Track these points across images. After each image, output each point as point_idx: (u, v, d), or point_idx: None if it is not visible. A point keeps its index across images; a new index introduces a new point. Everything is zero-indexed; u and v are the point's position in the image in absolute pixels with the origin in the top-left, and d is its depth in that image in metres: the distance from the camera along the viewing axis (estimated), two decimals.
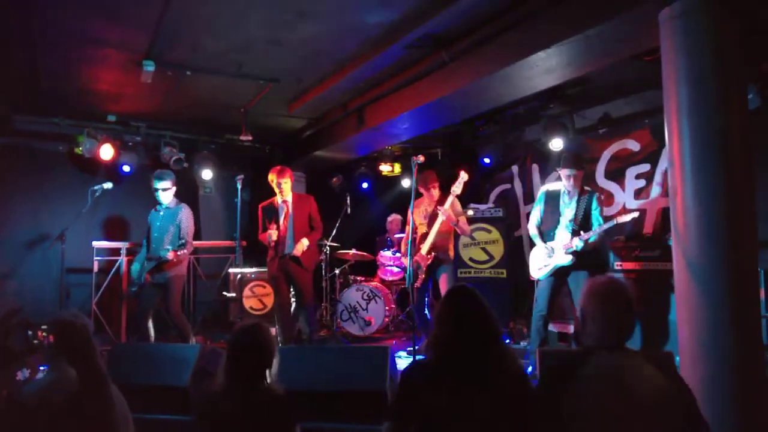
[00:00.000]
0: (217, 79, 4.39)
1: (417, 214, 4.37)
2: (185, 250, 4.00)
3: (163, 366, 3.00)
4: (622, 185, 4.88)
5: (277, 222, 4.24)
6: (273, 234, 4.15)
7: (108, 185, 4.54)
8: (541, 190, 4.02)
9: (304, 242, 4.17)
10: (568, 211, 3.78)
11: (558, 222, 3.80)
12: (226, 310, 5.78)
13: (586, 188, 3.85)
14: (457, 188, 3.97)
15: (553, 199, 3.87)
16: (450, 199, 4.02)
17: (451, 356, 1.60)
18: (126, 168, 5.59)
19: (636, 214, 3.70)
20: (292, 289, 4.37)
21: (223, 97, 4.87)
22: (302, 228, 4.22)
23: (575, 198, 3.77)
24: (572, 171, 3.75)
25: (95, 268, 5.29)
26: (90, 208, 4.61)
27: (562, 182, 3.82)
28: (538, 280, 3.84)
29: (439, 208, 4.07)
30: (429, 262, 4.17)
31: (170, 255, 3.92)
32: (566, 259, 3.69)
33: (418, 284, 4.16)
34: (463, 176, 3.98)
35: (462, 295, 1.70)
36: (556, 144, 4.96)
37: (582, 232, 3.66)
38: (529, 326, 4.63)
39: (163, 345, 3.74)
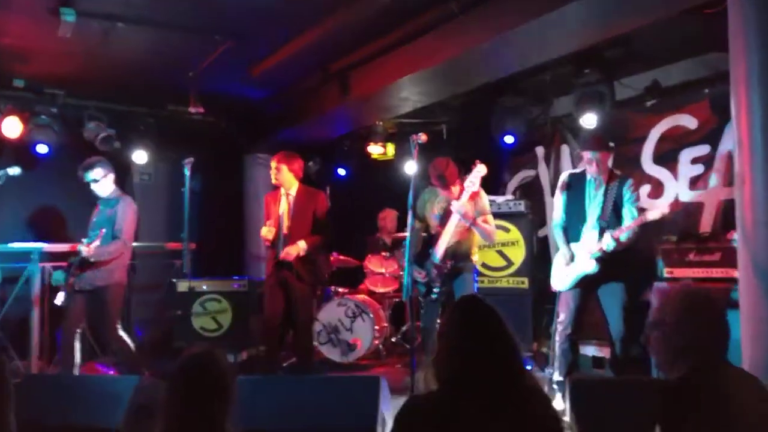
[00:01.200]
0: (157, 34, 4.33)
1: (428, 213, 4.22)
2: (111, 248, 4.04)
3: (87, 403, 3.00)
4: (674, 172, 4.93)
5: (276, 220, 4.36)
6: (266, 231, 4.30)
7: (15, 170, 4.47)
8: (561, 177, 4.01)
9: (300, 245, 4.25)
10: (594, 204, 3.76)
11: (584, 218, 3.78)
12: (169, 332, 5.74)
13: (616, 172, 3.84)
14: (471, 183, 3.84)
15: (577, 188, 3.85)
16: (466, 192, 3.88)
17: (460, 385, 1.60)
18: (42, 148, 5.49)
19: (666, 210, 3.55)
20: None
21: (166, 58, 4.81)
22: (302, 228, 4.30)
23: (603, 187, 3.75)
24: (594, 154, 3.71)
25: None
26: None
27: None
28: (561, 291, 3.86)
29: (453, 204, 3.89)
30: (446, 272, 4.04)
31: (84, 249, 3.98)
32: (590, 266, 3.68)
33: (432, 298, 4.13)
34: (481, 169, 3.86)
35: (472, 308, 1.71)
36: (591, 120, 4.99)
37: (610, 230, 3.63)
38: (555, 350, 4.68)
39: (89, 376, 3.69)
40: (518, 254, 5.45)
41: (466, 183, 3.88)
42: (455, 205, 3.87)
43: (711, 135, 4.68)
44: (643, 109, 5.12)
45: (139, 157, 5.90)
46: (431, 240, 4.15)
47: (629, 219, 3.67)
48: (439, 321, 4.27)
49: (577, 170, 4.01)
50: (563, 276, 3.83)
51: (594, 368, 4.57)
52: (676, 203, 4.82)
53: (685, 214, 4.75)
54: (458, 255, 4.06)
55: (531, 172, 6.01)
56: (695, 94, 4.78)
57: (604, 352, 4.58)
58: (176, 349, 5.50)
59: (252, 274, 6.35)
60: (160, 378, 3.93)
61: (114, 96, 5.78)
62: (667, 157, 4.97)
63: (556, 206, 3.98)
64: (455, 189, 3.99)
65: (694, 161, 4.79)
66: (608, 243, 3.61)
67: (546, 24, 3.55)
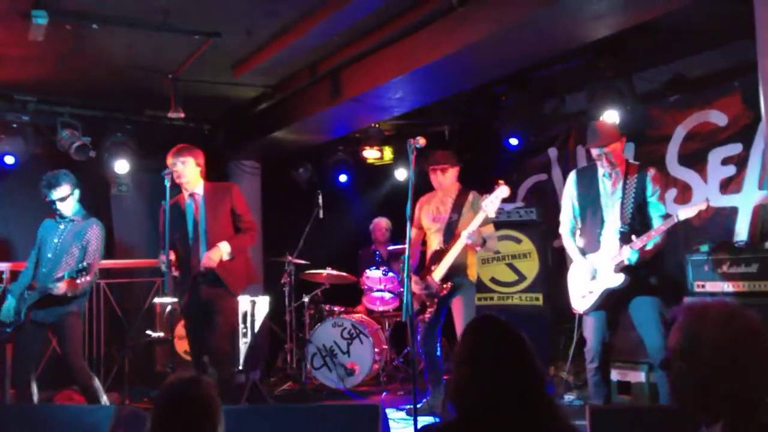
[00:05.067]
0: (134, 34, 4.37)
1: (425, 215, 4.39)
2: (86, 278, 3.94)
3: None
4: (703, 174, 4.88)
5: (184, 229, 4.04)
6: (163, 263, 3.90)
7: None
8: (570, 177, 3.84)
9: (222, 248, 3.95)
10: (611, 204, 3.55)
11: (601, 222, 3.57)
12: (151, 356, 5.76)
13: (634, 162, 3.67)
14: (489, 206, 3.92)
15: (588, 186, 3.66)
16: (479, 216, 3.99)
17: (480, 416, 1.57)
18: (8, 159, 5.56)
19: (703, 206, 3.41)
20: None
21: (144, 59, 4.86)
22: (221, 231, 4.02)
23: (620, 183, 3.55)
24: (601, 149, 3.51)
25: None
26: None
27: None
28: (584, 314, 3.67)
29: (464, 232, 4.01)
30: (444, 294, 4.16)
31: (61, 287, 3.87)
32: (617, 280, 3.46)
33: (426, 316, 4.18)
34: (503, 191, 3.92)
35: (492, 331, 1.67)
36: (609, 117, 5.01)
37: (634, 237, 3.41)
38: (576, 374, 4.67)
39: (64, 406, 3.70)
40: (531, 267, 5.42)
41: (484, 203, 3.96)
42: (468, 233, 3.99)
43: (743, 132, 4.61)
44: (665, 104, 5.10)
45: (121, 167, 5.92)
46: (436, 255, 4.22)
47: (657, 219, 3.46)
48: (440, 344, 4.33)
49: (586, 165, 3.88)
50: (584, 294, 3.60)
51: (620, 395, 4.49)
52: (706, 208, 4.81)
53: (716, 221, 4.68)
54: (456, 271, 4.17)
55: (543, 176, 6.00)
56: (724, 87, 4.74)
57: (630, 377, 4.50)
58: (158, 374, 5.54)
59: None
60: (139, 406, 3.97)
61: (89, 101, 5.83)
62: (694, 157, 4.91)
63: (564, 210, 3.82)
64: (445, 178, 4.32)
65: (725, 162, 4.72)
66: (629, 255, 3.41)
67: (556, 13, 3.54)
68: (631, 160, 3.68)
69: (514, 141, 5.68)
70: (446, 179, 4.35)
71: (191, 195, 4.13)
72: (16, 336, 4.08)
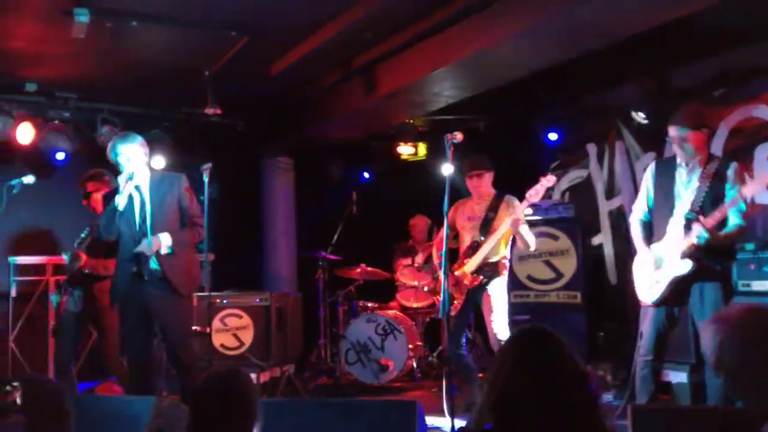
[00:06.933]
0: (172, 32, 4.47)
1: (460, 216, 4.41)
2: None
3: (103, 426, 3.09)
4: (749, 171, 4.81)
5: (120, 224, 3.74)
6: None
7: (29, 179, 4.64)
8: (650, 166, 3.70)
9: (162, 238, 3.69)
10: (684, 193, 3.41)
11: (670, 211, 3.43)
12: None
13: (715, 155, 3.52)
14: (535, 193, 3.97)
15: (665, 177, 3.51)
16: (524, 206, 4.04)
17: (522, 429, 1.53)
18: (59, 155, 5.71)
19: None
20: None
21: (181, 57, 4.95)
22: (167, 226, 3.78)
23: (696, 172, 3.39)
24: (682, 130, 3.32)
25: (13, 292, 5.45)
26: (5, 210, 4.75)
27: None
28: (650, 305, 3.52)
29: (512, 216, 4.05)
30: (473, 285, 4.19)
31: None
32: (684, 267, 3.32)
33: (452, 311, 4.19)
34: (549, 179, 3.97)
35: (537, 345, 1.59)
36: (647, 113, 4.94)
37: (701, 218, 3.24)
38: (614, 373, 4.61)
39: (105, 397, 3.81)
40: (568, 265, 5.36)
41: (529, 193, 3.99)
42: (509, 218, 4.03)
43: None
44: (709, 99, 5.00)
45: (159, 162, 6.02)
46: (471, 247, 4.26)
47: (734, 215, 3.26)
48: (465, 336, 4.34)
49: (668, 156, 3.70)
50: (651, 284, 3.47)
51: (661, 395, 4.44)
52: (752, 206, 4.71)
53: (763, 219, 4.59)
54: (489, 264, 4.20)
55: (582, 173, 5.92)
56: None
57: (671, 377, 4.43)
58: (198, 367, 5.64)
59: (272, 286, 6.46)
60: (177, 397, 4.07)
61: (127, 98, 5.94)
62: (739, 154, 4.80)
63: (639, 198, 3.68)
64: (480, 182, 4.30)
65: None
66: (698, 233, 3.20)
67: (598, 5, 3.51)
68: (714, 153, 3.51)
69: (552, 136, 5.61)
70: (482, 184, 4.35)
71: (135, 183, 3.83)
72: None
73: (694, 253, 3.29)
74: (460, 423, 3.66)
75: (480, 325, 4.40)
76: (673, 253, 3.39)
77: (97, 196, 4.25)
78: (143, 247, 3.71)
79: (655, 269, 3.46)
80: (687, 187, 3.42)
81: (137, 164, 3.79)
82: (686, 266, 3.33)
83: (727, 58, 4.89)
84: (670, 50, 4.72)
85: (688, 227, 3.31)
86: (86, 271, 4.23)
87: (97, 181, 4.36)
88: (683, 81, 5.00)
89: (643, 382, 3.52)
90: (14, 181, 4.55)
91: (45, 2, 4.02)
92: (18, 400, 4.03)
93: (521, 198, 4.16)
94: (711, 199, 3.30)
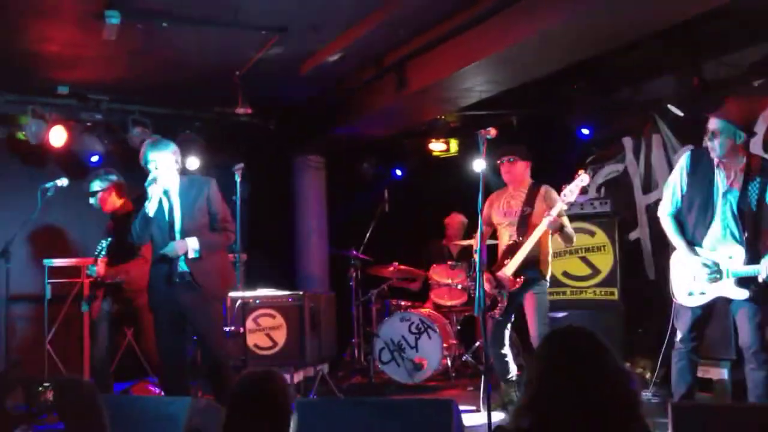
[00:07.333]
0: (203, 32, 4.50)
1: (495, 211, 4.32)
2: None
3: (140, 426, 3.12)
4: None
5: (152, 229, 3.78)
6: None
7: (63, 182, 4.72)
8: (683, 157, 3.49)
9: (189, 243, 3.71)
10: (725, 200, 3.25)
11: (712, 216, 3.29)
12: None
13: (759, 155, 3.35)
14: (569, 194, 3.86)
15: (702, 172, 3.31)
16: (559, 205, 3.91)
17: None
18: (94, 158, 5.78)
19: None
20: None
21: (212, 57, 5.00)
22: (196, 230, 3.79)
23: (740, 177, 3.21)
24: (722, 124, 3.13)
25: (48, 294, 5.52)
26: (40, 213, 4.84)
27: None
28: (687, 306, 3.42)
29: (547, 213, 3.90)
30: (515, 288, 4.09)
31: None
32: (740, 295, 3.19)
33: (495, 312, 4.12)
34: (583, 179, 3.86)
35: (579, 348, 1.57)
36: (683, 106, 4.81)
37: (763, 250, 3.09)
38: (654, 370, 4.51)
39: (142, 397, 3.85)
40: (605, 261, 5.30)
41: (564, 192, 3.90)
42: (547, 219, 3.89)
43: None
44: (749, 90, 4.88)
45: (191, 163, 6.04)
46: (509, 249, 4.17)
47: None
48: (507, 343, 4.25)
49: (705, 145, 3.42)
50: (691, 291, 3.34)
51: (700, 392, 4.36)
52: None
53: None
54: (530, 265, 4.10)
55: (618, 167, 5.83)
56: None
57: (711, 374, 4.37)
58: (232, 368, 5.68)
59: (305, 285, 6.48)
60: (212, 398, 4.11)
61: (159, 99, 6.02)
62: None
63: (668, 191, 3.48)
64: (517, 171, 4.21)
65: None
66: (764, 271, 3.08)
67: None
68: (758, 154, 3.36)
69: (586, 131, 5.52)
70: (517, 171, 4.24)
71: (167, 188, 3.88)
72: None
73: (752, 282, 3.17)
74: (496, 420, 3.63)
75: (517, 323, 4.32)
76: (725, 271, 3.24)
77: (105, 196, 4.44)
78: (167, 250, 3.75)
79: (706, 280, 3.29)
80: (728, 196, 3.26)
81: (166, 171, 3.79)
82: (742, 294, 3.20)
83: (767, 48, 4.75)
84: (707, 40, 4.62)
85: (752, 253, 3.16)
86: (108, 280, 4.31)
87: (102, 181, 4.48)
88: (722, 72, 4.87)
89: (681, 375, 3.43)
90: (48, 184, 4.65)
91: (76, 5, 4.07)
92: (51, 400, 4.11)
93: None
94: (756, 209, 3.19)
